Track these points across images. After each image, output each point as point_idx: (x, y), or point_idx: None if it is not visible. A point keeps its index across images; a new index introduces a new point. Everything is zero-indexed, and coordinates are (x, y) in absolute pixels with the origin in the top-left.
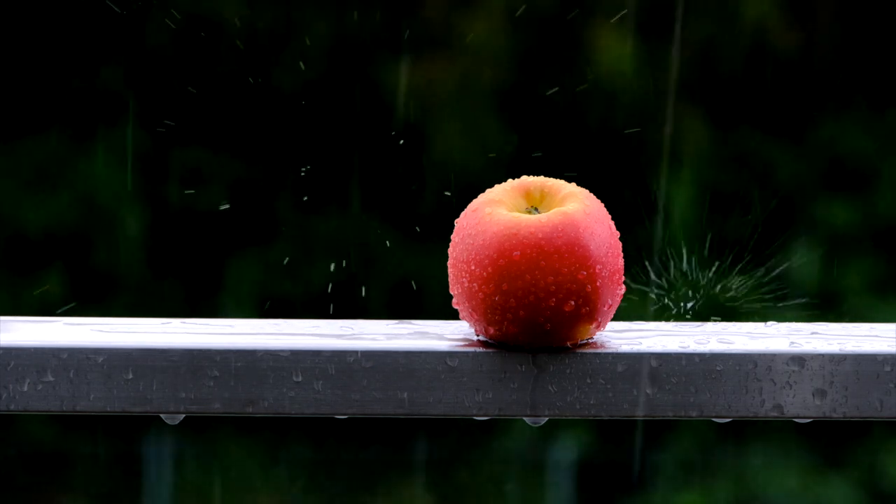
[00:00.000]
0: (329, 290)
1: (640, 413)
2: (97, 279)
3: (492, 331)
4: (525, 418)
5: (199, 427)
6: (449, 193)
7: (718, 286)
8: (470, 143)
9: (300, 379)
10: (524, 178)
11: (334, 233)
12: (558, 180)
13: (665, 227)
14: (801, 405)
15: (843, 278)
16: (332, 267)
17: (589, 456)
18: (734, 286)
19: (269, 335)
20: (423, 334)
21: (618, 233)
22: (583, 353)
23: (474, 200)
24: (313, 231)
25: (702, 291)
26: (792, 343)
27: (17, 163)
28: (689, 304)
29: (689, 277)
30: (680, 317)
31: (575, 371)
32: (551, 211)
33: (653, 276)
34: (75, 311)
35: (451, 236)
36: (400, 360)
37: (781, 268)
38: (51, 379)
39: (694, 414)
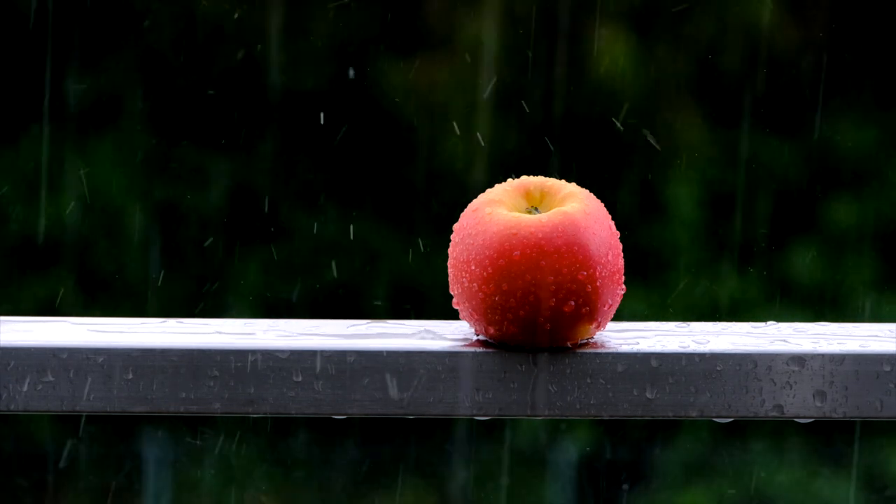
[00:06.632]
0: (329, 291)
1: (639, 413)
2: (98, 279)
3: (492, 331)
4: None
5: (199, 427)
6: (449, 193)
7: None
8: (470, 143)
9: (300, 379)
10: (524, 177)
11: (335, 233)
12: (558, 180)
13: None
14: (801, 405)
15: (844, 278)
16: (333, 267)
17: (591, 455)
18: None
19: (269, 335)
20: (423, 334)
21: (618, 233)
22: (583, 353)
23: (474, 200)
24: (314, 231)
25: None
26: (792, 343)
27: (19, 163)
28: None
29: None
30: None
31: (575, 371)
32: (551, 211)
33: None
34: (75, 311)
35: (451, 236)
36: (400, 360)
37: (782, 267)
38: (51, 379)
39: (694, 414)
